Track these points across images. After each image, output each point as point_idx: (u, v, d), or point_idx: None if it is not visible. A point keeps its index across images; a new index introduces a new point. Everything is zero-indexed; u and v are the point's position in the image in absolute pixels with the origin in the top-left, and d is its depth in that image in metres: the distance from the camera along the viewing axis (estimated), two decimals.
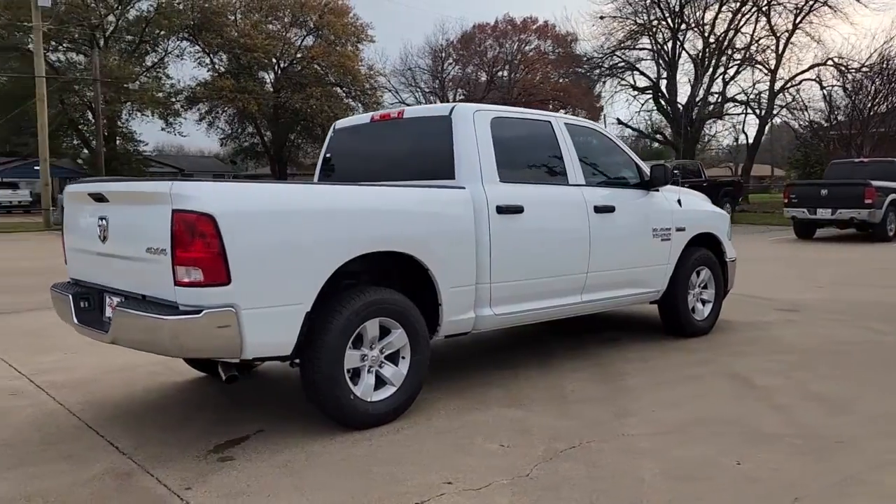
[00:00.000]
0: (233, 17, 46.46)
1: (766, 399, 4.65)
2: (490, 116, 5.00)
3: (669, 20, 33.30)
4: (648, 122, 40.95)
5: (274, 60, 48.83)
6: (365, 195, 4.22)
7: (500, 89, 50.49)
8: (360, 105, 52.42)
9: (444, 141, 4.86)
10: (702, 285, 6.61)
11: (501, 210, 4.81)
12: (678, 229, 6.23)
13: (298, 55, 48.61)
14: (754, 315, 7.57)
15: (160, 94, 46.92)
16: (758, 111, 34.01)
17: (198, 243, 3.49)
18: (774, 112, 34.01)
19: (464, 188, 4.70)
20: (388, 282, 4.44)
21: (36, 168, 33.17)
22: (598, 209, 5.49)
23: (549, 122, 5.48)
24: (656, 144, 48.43)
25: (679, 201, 6.31)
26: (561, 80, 49.33)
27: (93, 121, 40.71)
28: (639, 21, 33.49)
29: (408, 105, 50.68)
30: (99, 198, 4.13)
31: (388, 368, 4.29)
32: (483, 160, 4.84)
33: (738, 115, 35.24)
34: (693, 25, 33.37)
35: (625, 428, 4.14)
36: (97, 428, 4.26)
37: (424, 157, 5.06)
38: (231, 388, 5.07)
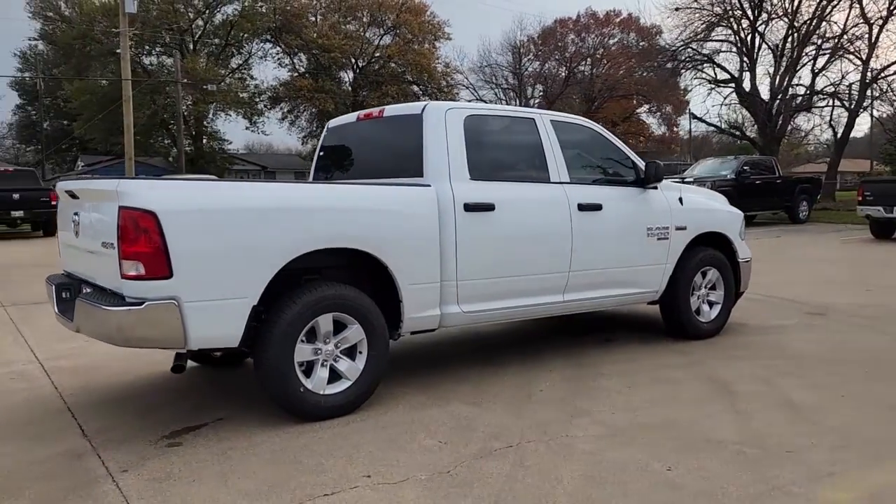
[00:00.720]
0: (313, 19, 47.71)
1: (733, 405, 4.49)
2: (464, 115, 5.02)
3: (749, 9, 31.97)
4: (726, 117, 39.42)
5: (352, 60, 49.86)
6: (316, 193, 4.34)
7: (580, 84, 49.81)
8: None
9: (416, 139, 4.92)
10: (708, 286, 6.41)
11: (469, 208, 4.82)
12: (678, 228, 6.06)
13: (377, 54, 49.44)
14: (775, 318, 7.27)
15: (244, 95, 48.74)
16: (847, 104, 32.19)
17: (141, 238, 3.69)
18: (865, 105, 32.14)
19: (429, 186, 4.75)
20: (355, 278, 4.54)
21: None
22: (582, 207, 5.41)
23: (533, 119, 5.44)
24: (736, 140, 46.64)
25: (681, 199, 6.13)
26: (644, 75, 48.24)
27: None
28: (716, 10, 32.30)
29: (484, 101, 50.86)
30: (73, 195, 4.40)
31: (343, 363, 4.40)
32: (452, 158, 4.86)
33: (825, 108, 33.34)
34: (775, 14, 31.91)
35: (572, 429, 4.10)
36: (75, 411, 4.56)
37: (399, 155, 5.13)
38: (220, 376, 5.34)
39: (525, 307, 5.25)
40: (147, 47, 49.38)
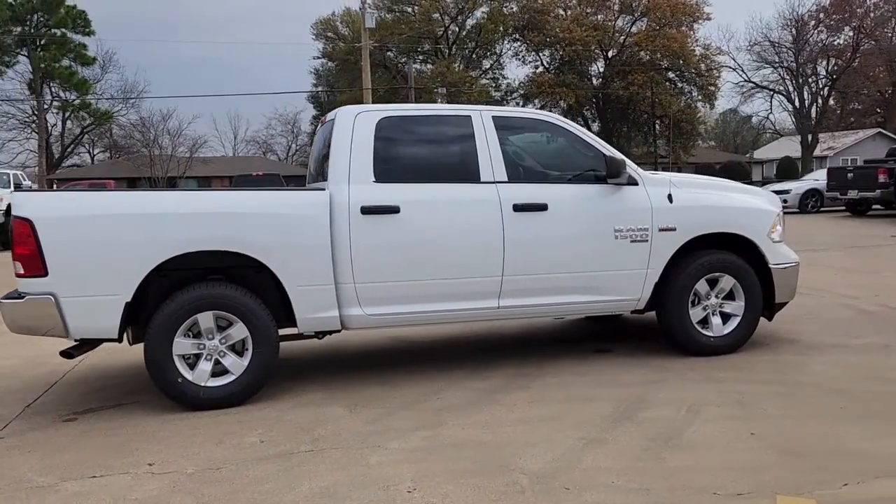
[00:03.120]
0: (561, 12, 47.73)
1: (603, 434, 3.94)
2: (377, 118, 5.01)
3: None
4: None
5: (600, 51, 49.01)
6: (190, 199, 4.67)
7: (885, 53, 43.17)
8: (693, 88, 49.93)
9: (328, 144, 5.04)
10: (720, 295, 5.54)
11: (367, 210, 4.82)
12: (663, 229, 5.34)
13: (627, 42, 48.00)
14: (842, 336, 6.01)
15: (497, 95, 50.53)
16: None
17: (22, 242, 4.35)
18: None
19: (323, 190, 4.84)
20: (260, 280, 4.81)
21: None
22: (518, 207, 5.06)
23: (469, 116, 5.20)
24: None
25: (670, 197, 5.39)
26: None
27: None
28: None
29: (754, 84, 46.64)
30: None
31: (228, 358, 4.70)
32: (354, 161, 4.89)
33: None
34: None
35: (389, 442, 3.96)
36: (22, 394, 5.18)
37: (324, 159, 5.26)
38: None
39: (448, 311, 5.06)
40: (413, 55, 53.43)
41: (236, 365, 4.69)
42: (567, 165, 5.44)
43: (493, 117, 5.24)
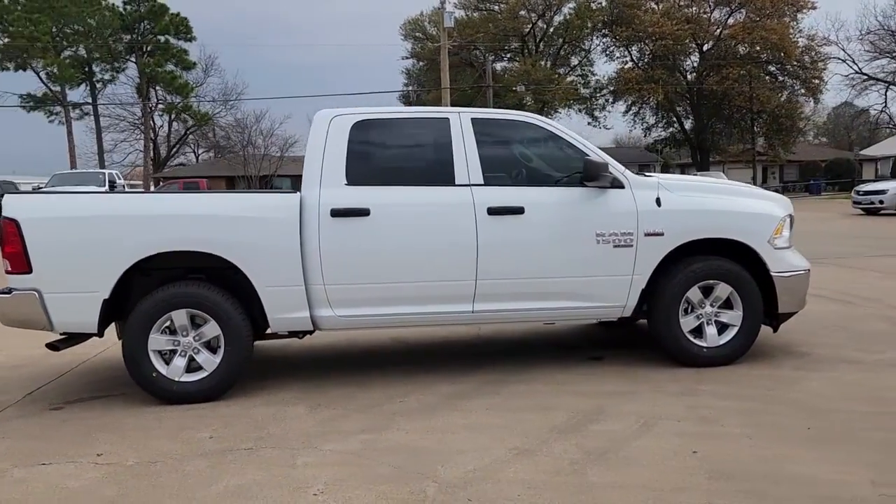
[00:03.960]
0: (652, 5, 46.40)
1: (541, 445, 3.84)
2: (352, 121, 5.05)
3: None
4: None
5: (695, 45, 47.35)
6: (163, 202, 4.86)
7: None
8: (795, 82, 47.50)
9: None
10: (715, 304, 5.27)
11: (337, 213, 4.87)
12: (650, 234, 5.12)
13: (723, 34, 46.17)
14: (865, 350, 5.58)
15: (585, 92, 49.69)
16: None
17: (9, 241, 4.66)
18: None
19: (295, 193, 4.93)
20: (239, 280, 4.96)
21: None
22: (493, 211, 4.98)
23: (448, 119, 5.16)
24: None
25: (658, 200, 5.17)
26: None
27: None
28: None
29: (866, 76, 43.81)
30: None
31: (202, 355, 4.86)
32: (327, 165, 4.96)
33: None
34: None
35: (328, 443, 4.00)
36: (31, 382, 5.53)
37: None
38: None
39: (421, 315, 5.04)
40: (500, 54, 53.29)
41: (209, 361, 4.84)
42: (549, 168, 5.32)
43: (472, 119, 5.17)
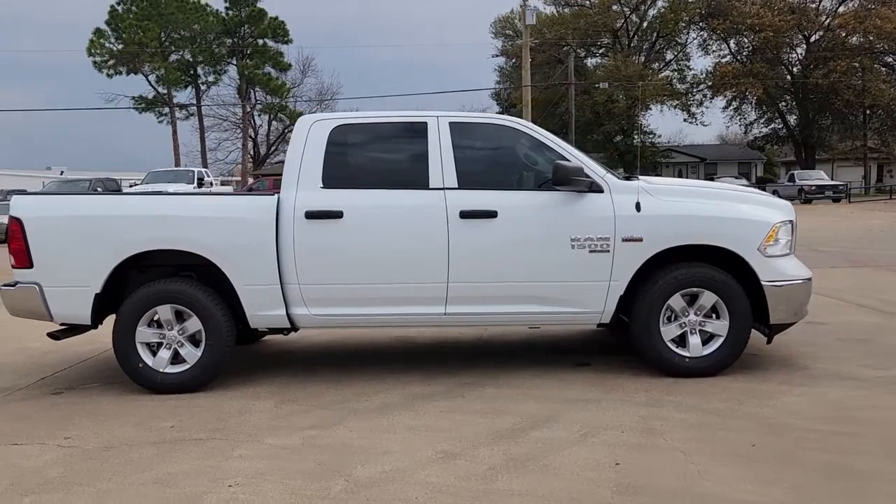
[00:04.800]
0: None
1: (469, 450, 3.84)
2: (332, 126, 5.18)
3: None
4: None
5: (801, 37, 44.89)
6: (150, 203, 5.14)
7: None
8: None
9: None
10: (700, 313, 5.08)
11: (311, 215, 5.02)
12: (627, 239, 4.99)
13: (833, 23, 43.55)
14: (861, 365, 5.24)
15: (682, 87, 48.06)
16: None
17: (14, 238, 5.08)
18: None
19: (272, 195, 5.12)
20: (221, 278, 5.21)
21: None
22: (465, 214, 5.00)
23: (426, 122, 5.21)
24: None
25: (638, 205, 5.03)
26: None
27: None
28: None
29: None
30: None
31: (185, 348, 5.14)
32: (304, 168, 5.12)
33: None
34: None
35: (271, 438, 4.15)
36: (50, 368, 5.99)
37: None
38: None
39: (394, 315, 5.12)
40: (591, 50, 52.36)
41: (191, 355, 5.11)
42: (528, 172, 5.28)
43: (451, 123, 5.20)
